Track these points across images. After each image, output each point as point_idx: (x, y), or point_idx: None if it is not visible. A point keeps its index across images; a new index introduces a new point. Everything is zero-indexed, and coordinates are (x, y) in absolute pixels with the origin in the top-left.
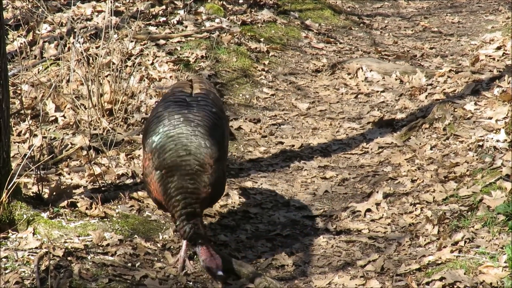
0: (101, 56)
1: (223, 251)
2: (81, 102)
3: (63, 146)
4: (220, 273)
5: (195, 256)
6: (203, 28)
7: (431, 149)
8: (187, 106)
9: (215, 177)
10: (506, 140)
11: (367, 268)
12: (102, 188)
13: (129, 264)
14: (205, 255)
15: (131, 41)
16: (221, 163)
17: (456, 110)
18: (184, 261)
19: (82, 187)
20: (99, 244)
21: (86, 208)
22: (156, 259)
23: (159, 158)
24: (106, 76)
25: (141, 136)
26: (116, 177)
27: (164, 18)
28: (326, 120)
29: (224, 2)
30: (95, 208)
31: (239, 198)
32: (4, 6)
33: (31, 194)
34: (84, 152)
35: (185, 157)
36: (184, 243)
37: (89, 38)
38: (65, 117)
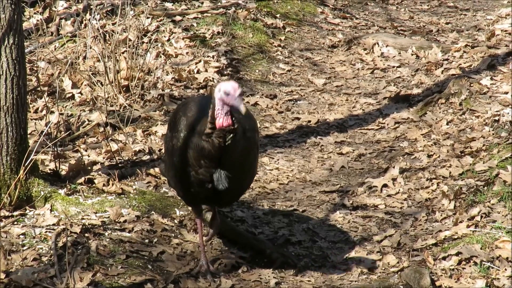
0: (117, 33)
1: (240, 226)
2: (98, 79)
3: (80, 123)
4: (238, 91)
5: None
6: (219, 4)
7: (447, 124)
8: None
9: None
10: None
11: (384, 243)
12: (119, 165)
13: (146, 240)
14: (219, 86)
15: (148, 18)
16: (251, 133)
17: (472, 85)
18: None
19: (99, 163)
20: (116, 220)
21: (103, 185)
22: (173, 235)
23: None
24: (123, 53)
25: (157, 112)
26: (133, 153)
27: None
28: (342, 96)
29: None
30: (112, 184)
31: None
32: None
33: (48, 171)
34: (101, 129)
35: None
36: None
37: (105, 15)
38: (81, 94)
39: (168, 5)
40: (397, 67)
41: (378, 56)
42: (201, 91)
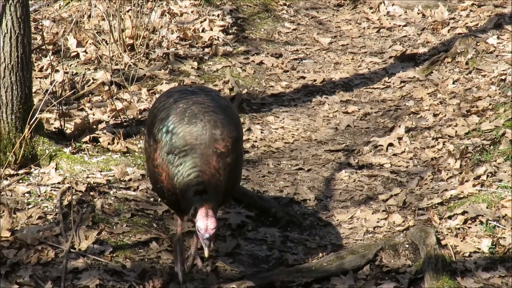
0: None
1: (245, 185)
2: (103, 38)
3: (85, 82)
4: (206, 235)
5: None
6: None
7: (453, 83)
8: (192, 93)
9: (232, 159)
10: None
11: (389, 202)
12: (124, 123)
13: (151, 199)
14: (200, 215)
15: None
16: (238, 145)
17: (478, 44)
18: (195, 259)
19: (104, 122)
20: (121, 179)
21: (108, 143)
22: None
23: (171, 141)
24: (128, 11)
25: (162, 71)
26: (138, 112)
27: None
28: (348, 55)
29: None
30: (117, 143)
31: (261, 132)
32: None
33: (53, 130)
34: (106, 87)
35: (200, 137)
36: (194, 242)
37: None
38: (86, 53)
39: None
40: (403, 26)
41: (384, 15)
42: (206, 49)
